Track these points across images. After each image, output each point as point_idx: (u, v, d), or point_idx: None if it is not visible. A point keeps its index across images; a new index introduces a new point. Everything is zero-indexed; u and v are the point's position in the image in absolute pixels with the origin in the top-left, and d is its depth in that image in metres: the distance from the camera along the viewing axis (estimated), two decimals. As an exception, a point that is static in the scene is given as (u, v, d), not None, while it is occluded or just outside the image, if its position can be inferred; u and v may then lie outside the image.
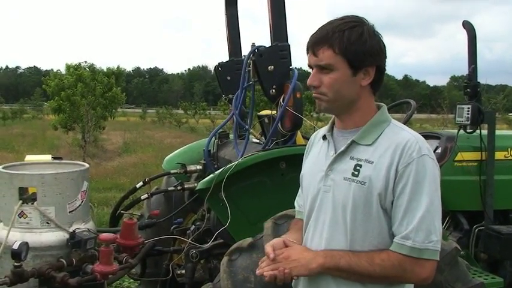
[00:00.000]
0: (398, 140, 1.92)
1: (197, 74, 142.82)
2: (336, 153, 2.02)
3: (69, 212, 3.11)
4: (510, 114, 39.63)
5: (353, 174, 1.94)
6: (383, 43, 1.99)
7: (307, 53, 2.00)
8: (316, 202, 2.06)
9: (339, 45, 1.90)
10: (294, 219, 2.41)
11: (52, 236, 3.04)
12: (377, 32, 1.97)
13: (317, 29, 1.98)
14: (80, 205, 3.15)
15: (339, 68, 1.92)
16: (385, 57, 1.99)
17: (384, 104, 2.08)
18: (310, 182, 2.12)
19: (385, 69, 2.01)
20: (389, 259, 1.88)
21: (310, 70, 2.04)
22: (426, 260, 1.87)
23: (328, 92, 1.96)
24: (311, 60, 1.98)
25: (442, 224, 4.00)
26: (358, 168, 1.94)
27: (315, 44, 1.95)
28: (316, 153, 2.16)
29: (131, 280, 5.69)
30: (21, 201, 3.01)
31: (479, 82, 4.15)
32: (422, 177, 1.86)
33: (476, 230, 4.08)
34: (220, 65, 4.61)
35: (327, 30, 1.93)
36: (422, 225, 1.85)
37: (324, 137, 2.13)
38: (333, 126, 2.12)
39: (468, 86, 4.14)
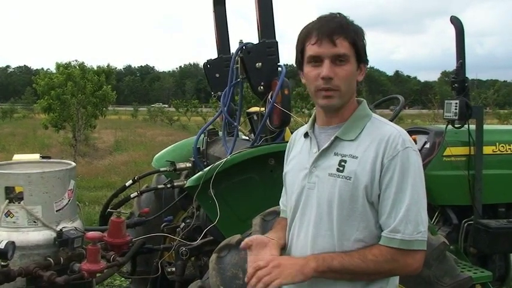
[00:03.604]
0: (382, 134, 1.94)
1: (188, 71, 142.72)
2: (319, 150, 2.02)
3: (56, 211, 3.09)
4: (501, 110, 39.86)
5: (338, 170, 1.95)
6: None
7: (316, 42, 1.94)
8: (301, 200, 2.06)
9: (353, 37, 1.94)
10: (278, 217, 2.41)
11: (39, 235, 3.02)
12: None
13: (320, 20, 1.98)
14: (67, 204, 3.13)
15: (351, 60, 1.96)
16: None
17: (363, 99, 2.10)
18: (294, 180, 2.11)
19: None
20: (381, 254, 1.89)
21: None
22: (416, 251, 1.89)
23: (341, 84, 1.95)
24: (325, 49, 1.93)
25: (432, 219, 4.06)
26: (343, 163, 1.95)
27: (333, 33, 1.93)
28: (298, 151, 2.16)
29: (122, 278, 5.68)
30: (7, 201, 2.99)
31: (467, 77, 4.16)
32: (407, 169, 1.89)
33: (466, 224, 4.09)
34: (209, 62, 4.61)
35: (339, 22, 1.95)
36: (410, 216, 1.87)
37: (306, 135, 2.13)
38: (314, 123, 2.13)
39: (456, 81, 4.15)
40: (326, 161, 2.00)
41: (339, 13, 2.00)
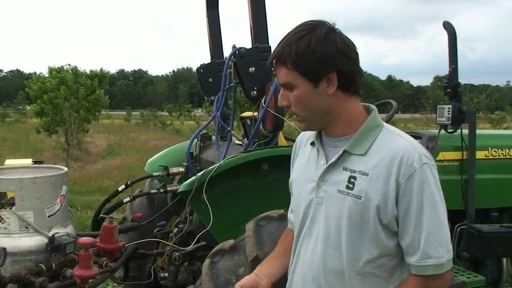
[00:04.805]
0: (395, 149, 1.81)
1: (182, 75, 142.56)
2: (327, 163, 1.92)
3: (48, 217, 3.06)
4: (493, 115, 40.06)
5: (347, 187, 1.84)
6: (343, 44, 1.83)
7: None
8: (308, 214, 1.97)
9: (290, 60, 1.80)
10: (285, 229, 2.32)
11: (31, 241, 2.99)
12: (336, 33, 1.83)
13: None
14: (59, 209, 3.11)
15: (298, 83, 1.83)
16: (348, 57, 1.84)
17: (374, 107, 1.97)
18: (301, 191, 2.02)
19: (353, 70, 1.86)
20: (415, 285, 1.83)
21: None
22: (447, 271, 1.83)
23: (297, 110, 1.88)
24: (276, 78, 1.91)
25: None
26: (352, 180, 1.83)
27: (272, 64, 1.88)
28: (306, 160, 2.05)
29: (115, 284, 5.65)
30: (-2, 206, 2.96)
31: (459, 82, 4.16)
32: (427, 188, 1.79)
33: (458, 229, 4.09)
34: (202, 66, 4.60)
35: (280, 46, 1.85)
36: (437, 238, 1.79)
37: (313, 143, 2.01)
38: (320, 132, 2.00)
39: (449, 86, 4.15)
40: (334, 176, 1.89)
41: (298, 25, 1.86)
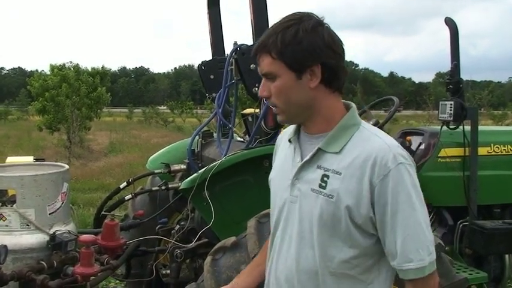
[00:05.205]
0: (369, 148, 1.76)
1: (184, 73, 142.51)
2: (302, 160, 1.87)
3: (49, 214, 3.07)
4: (495, 111, 39.98)
5: (320, 186, 1.79)
6: (330, 38, 1.79)
7: None
8: (283, 213, 1.92)
9: (275, 49, 1.76)
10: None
11: (32, 238, 3.00)
12: (323, 27, 1.79)
13: None
14: (60, 207, 3.11)
15: (281, 74, 1.79)
16: (334, 51, 1.80)
17: (353, 104, 1.92)
18: (277, 190, 1.99)
19: (338, 65, 1.82)
20: None
21: None
22: (429, 275, 1.76)
23: (277, 102, 1.84)
24: (258, 68, 1.86)
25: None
26: (325, 179, 1.79)
27: (255, 53, 1.84)
28: (283, 158, 2.00)
29: (117, 281, 5.66)
30: (0, 204, 2.97)
31: (461, 78, 4.16)
32: (403, 189, 1.72)
33: (461, 225, 4.09)
34: (204, 63, 4.59)
35: (265, 35, 1.81)
36: (416, 241, 1.74)
37: (290, 141, 1.97)
38: (299, 129, 1.96)
39: (451, 83, 4.15)
40: (308, 174, 1.84)
41: (285, 16, 1.83)
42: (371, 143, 1.78)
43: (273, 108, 1.90)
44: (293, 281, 1.88)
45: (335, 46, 1.80)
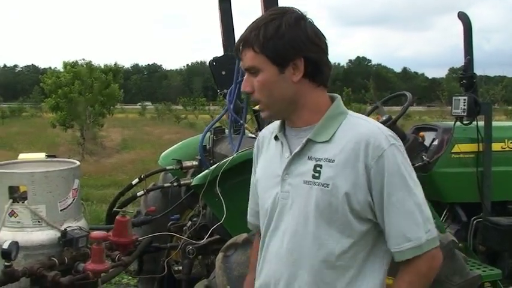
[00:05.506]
0: (360, 132, 1.76)
1: (196, 69, 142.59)
2: (291, 154, 1.84)
3: (61, 210, 3.07)
4: (509, 106, 39.64)
5: (314, 177, 1.77)
6: (312, 32, 1.78)
7: None
8: (275, 211, 1.87)
9: (257, 43, 1.75)
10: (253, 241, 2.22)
11: (43, 235, 3.00)
12: (306, 21, 1.79)
13: None
14: (71, 203, 3.11)
15: (264, 68, 1.77)
16: (317, 45, 1.79)
17: (338, 95, 1.90)
18: (265, 189, 1.93)
19: (321, 59, 1.81)
20: (407, 274, 1.77)
21: None
22: (428, 251, 1.75)
23: (260, 97, 1.82)
24: (241, 63, 1.85)
25: (441, 217, 4.02)
26: (318, 169, 1.77)
27: (238, 46, 1.82)
28: (270, 156, 1.96)
29: (130, 277, 5.68)
30: (11, 200, 2.97)
31: (475, 73, 4.12)
32: (399, 168, 1.73)
33: (475, 221, 4.05)
34: (215, 59, 4.59)
35: (248, 29, 1.79)
36: (413, 219, 1.74)
37: (276, 137, 1.93)
38: (284, 125, 1.92)
39: (464, 78, 4.10)
40: (299, 167, 1.81)
41: (269, 10, 1.83)
42: (361, 127, 1.79)
43: (258, 104, 1.87)
44: (289, 278, 1.84)
45: (318, 40, 1.80)
